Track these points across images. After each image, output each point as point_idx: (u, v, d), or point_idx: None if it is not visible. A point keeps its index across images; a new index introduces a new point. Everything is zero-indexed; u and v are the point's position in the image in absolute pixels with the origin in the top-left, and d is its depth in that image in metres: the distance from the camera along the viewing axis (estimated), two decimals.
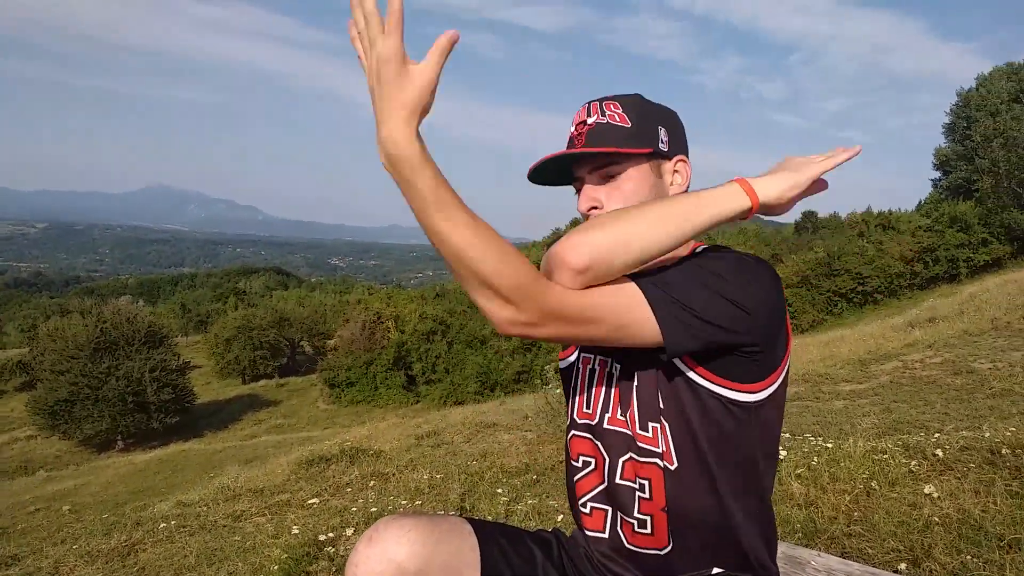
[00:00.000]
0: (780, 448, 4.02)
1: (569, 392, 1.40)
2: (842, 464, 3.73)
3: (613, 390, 1.28)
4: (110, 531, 5.19)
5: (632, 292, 1.08)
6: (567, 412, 1.40)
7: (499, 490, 4.22)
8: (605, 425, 1.28)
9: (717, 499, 1.21)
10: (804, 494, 3.49)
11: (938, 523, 3.02)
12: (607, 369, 1.31)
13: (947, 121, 49.53)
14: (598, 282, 1.07)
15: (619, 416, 1.26)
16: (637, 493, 1.24)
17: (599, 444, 1.29)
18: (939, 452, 3.83)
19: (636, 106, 1.23)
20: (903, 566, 2.69)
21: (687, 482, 1.20)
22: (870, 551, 2.89)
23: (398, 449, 7.04)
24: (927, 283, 41.51)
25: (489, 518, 3.50)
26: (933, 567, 2.66)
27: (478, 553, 1.23)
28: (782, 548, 1.86)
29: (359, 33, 0.98)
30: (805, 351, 13.68)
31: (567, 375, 1.41)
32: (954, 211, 42.27)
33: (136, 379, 35.61)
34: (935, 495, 3.28)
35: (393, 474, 5.33)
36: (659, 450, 1.21)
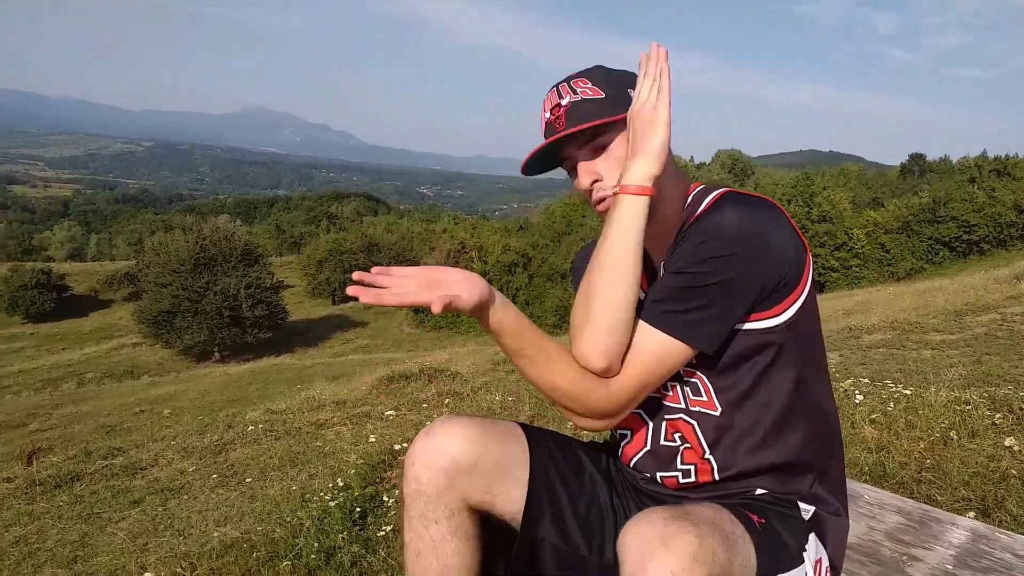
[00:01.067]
0: (856, 392, 3.95)
1: None
2: (920, 412, 3.64)
3: None
4: (204, 431, 5.57)
5: (654, 340, 1.18)
6: None
7: None
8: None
9: (766, 426, 1.24)
10: (877, 439, 3.44)
11: (1016, 476, 2.94)
12: None
13: None
14: (622, 356, 1.19)
15: None
16: (680, 447, 1.29)
17: (641, 412, 1.34)
18: None
19: (603, 76, 1.27)
20: (971, 514, 2.64)
21: (733, 422, 1.25)
22: (939, 498, 2.85)
23: (474, 372, 7.22)
24: None
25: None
26: (1003, 517, 2.60)
27: (528, 453, 1.30)
28: None
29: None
30: (898, 299, 13.16)
31: None
32: None
33: (232, 295, 37.29)
34: (1016, 448, 3.17)
35: (468, 394, 5.49)
36: (696, 402, 1.27)
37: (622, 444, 1.39)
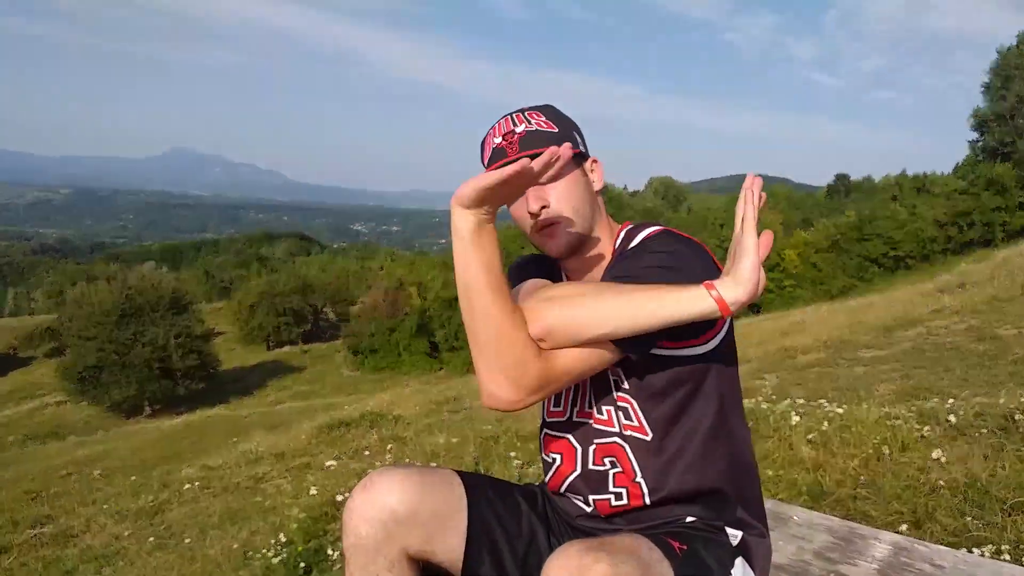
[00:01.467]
0: (792, 413, 4.05)
1: None
2: (853, 429, 3.75)
3: (579, 385, 1.36)
4: (138, 492, 5.37)
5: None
6: (540, 413, 1.48)
7: (512, 453, 4.31)
8: (575, 419, 1.38)
9: (693, 452, 1.30)
10: (813, 458, 3.53)
11: (944, 487, 3.04)
12: None
13: (986, 80, 47.78)
14: (556, 348, 1.17)
15: (586, 408, 1.36)
16: (610, 471, 1.33)
17: (571, 437, 1.38)
18: (952, 418, 3.83)
19: (554, 113, 1.35)
20: (904, 527, 2.73)
21: (663, 447, 1.29)
22: (873, 513, 2.93)
23: (417, 414, 7.16)
24: (961, 248, 40.82)
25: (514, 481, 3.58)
26: (934, 528, 2.69)
27: (465, 500, 1.32)
28: (768, 504, 1.91)
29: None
30: (832, 317, 13.62)
31: None
32: (991, 173, 41.22)
33: (161, 345, 36.26)
34: (943, 460, 3.29)
35: (411, 438, 5.45)
36: (628, 427, 1.31)
37: (553, 468, 1.41)
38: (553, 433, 1.42)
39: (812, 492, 3.22)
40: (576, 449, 1.37)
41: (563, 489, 1.40)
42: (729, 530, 1.32)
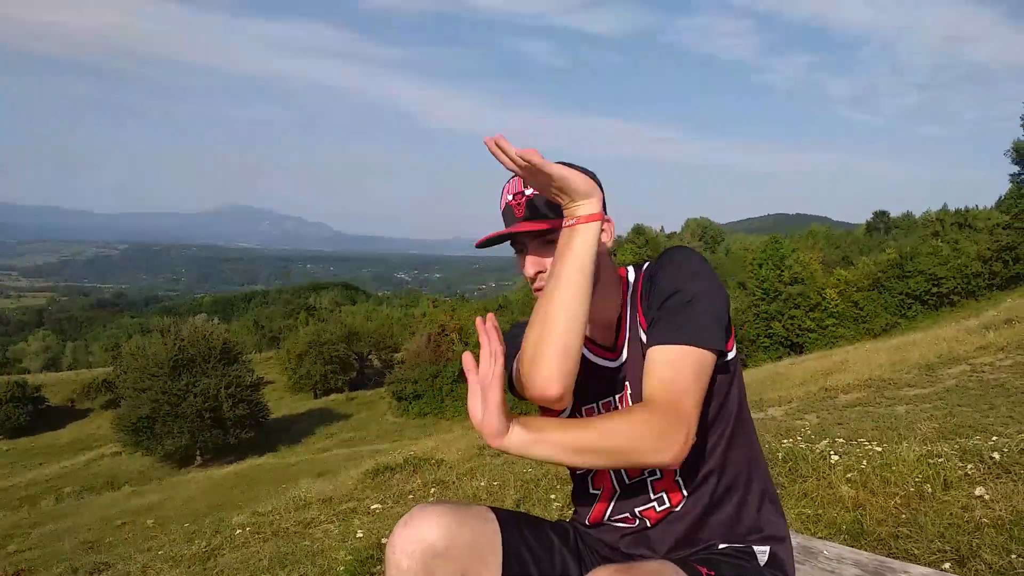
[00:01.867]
0: (832, 452, 4.04)
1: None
2: (894, 468, 3.72)
3: (618, 397, 1.47)
4: (191, 538, 5.52)
5: (683, 355, 1.27)
6: None
7: (552, 496, 4.36)
8: None
9: (722, 446, 1.41)
10: (853, 497, 3.52)
11: (989, 524, 3.02)
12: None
13: None
14: (573, 384, 1.27)
15: None
16: (648, 479, 1.44)
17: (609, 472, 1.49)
18: (996, 455, 3.79)
19: None
20: (947, 565, 2.71)
21: (702, 445, 1.40)
22: (916, 551, 2.92)
23: (460, 459, 7.23)
24: (1007, 283, 39.73)
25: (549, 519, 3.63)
26: (979, 567, 2.67)
27: (500, 537, 1.41)
28: (796, 539, 1.96)
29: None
30: (874, 356, 13.38)
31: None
32: None
33: (213, 395, 36.82)
34: (987, 497, 3.27)
35: (453, 482, 5.52)
36: None
37: (594, 501, 1.51)
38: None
39: (852, 531, 3.21)
40: (611, 474, 1.47)
41: (607, 516, 1.49)
42: (756, 548, 1.42)
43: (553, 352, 1.24)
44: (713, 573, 1.29)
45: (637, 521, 1.46)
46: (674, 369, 1.27)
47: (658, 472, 1.42)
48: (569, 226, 1.28)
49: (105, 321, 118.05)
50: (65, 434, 46.96)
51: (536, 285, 1.40)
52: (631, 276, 1.48)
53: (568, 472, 1.61)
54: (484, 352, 1.22)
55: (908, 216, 70.35)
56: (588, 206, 1.28)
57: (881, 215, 72.93)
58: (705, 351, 1.28)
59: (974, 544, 2.84)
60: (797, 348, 40.39)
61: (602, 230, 1.40)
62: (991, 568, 2.66)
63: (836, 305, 42.62)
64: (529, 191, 1.38)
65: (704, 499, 1.42)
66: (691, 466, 1.40)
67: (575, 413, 1.50)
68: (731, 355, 1.39)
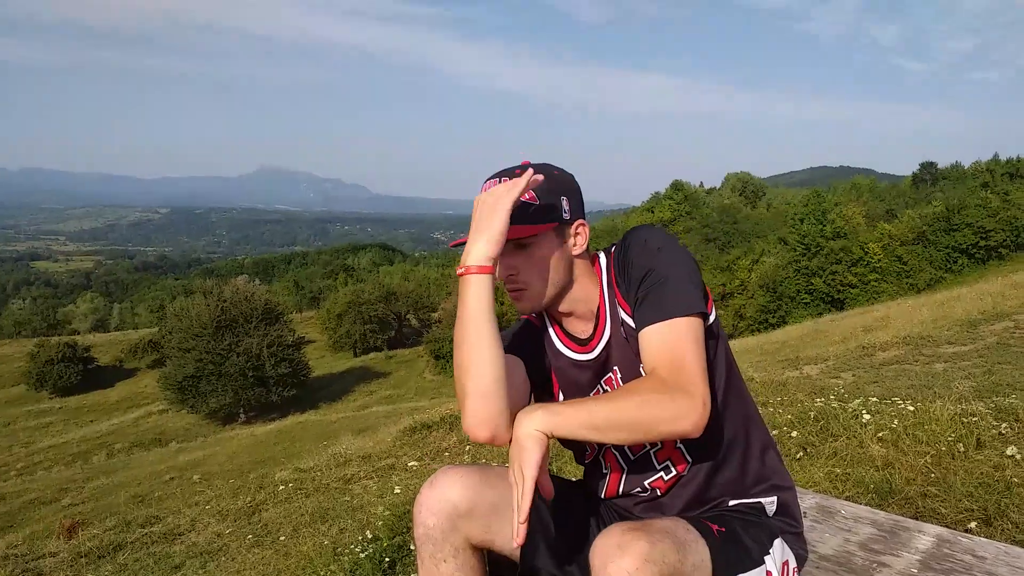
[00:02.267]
0: (864, 411, 4.04)
1: None
2: (927, 427, 3.71)
3: (604, 381, 1.51)
4: (236, 494, 5.73)
5: (676, 327, 1.31)
6: None
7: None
8: None
9: (717, 410, 1.43)
10: (883, 456, 3.52)
11: (1018, 484, 3.01)
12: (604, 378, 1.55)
13: None
14: (507, 421, 1.31)
15: None
16: (650, 451, 1.48)
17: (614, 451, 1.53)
18: None
19: (542, 182, 1.39)
20: (973, 524, 2.73)
21: None
22: (943, 511, 2.93)
23: None
24: None
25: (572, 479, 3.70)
26: (1005, 526, 2.67)
27: None
28: (815, 499, 2.00)
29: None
30: (916, 312, 13.17)
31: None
32: None
33: (255, 355, 37.61)
34: (1018, 456, 3.25)
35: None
36: None
37: (606, 479, 1.56)
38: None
39: (880, 490, 3.22)
40: (615, 452, 1.52)
41: (620, 491, 1.54)
42: (765, 500, 1.48)
43: (472, 400, 1.30)
44: (724, 529, 1.34)
45: (648, 492, 1.51)
46: (670, 341, 1.30)
47: (659, 442, 1.46)
48: (460, 275, 1.33)
49: (149, 283, 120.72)
50: (114, 393, 48.42)
51: (508, 287, 1.45)
52: (603, 262, 1.50)
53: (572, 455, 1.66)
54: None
55: (957, 167, 68.33)
56: (478, 253, 1.32)
57: (928, 166, 70.85)
58: (692, 318, 1.31)
59: (1002, 504, 2.84)
60: (838, 304, 39.79)
61: (575, 234, 1.44)
62: (1018, 527, 2.66)
63: (879, 260, 41.78)
64: None
65: (708, 461, 1.46)
66: (693, 441, 1.44)
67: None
68: (711, 318, 1.41)
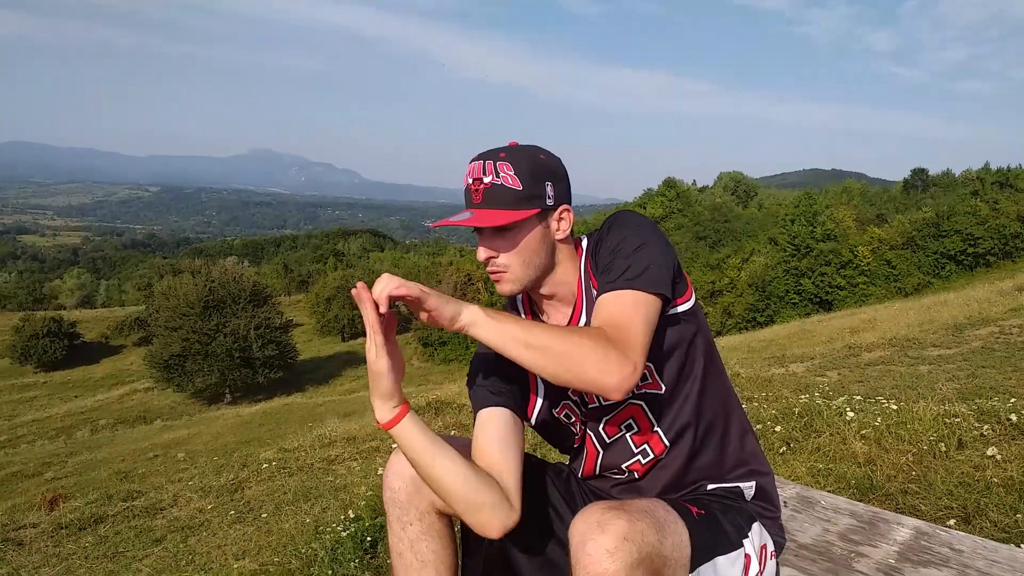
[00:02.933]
0: (848, 409, 4.06)
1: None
2: (909, 426, 3.74)
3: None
4: (220, 471, 5.73)
5: (626, 299, 1.31)
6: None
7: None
8: (589, 407, 1.52)
9: (696, 393, 1.46)
10: (865, 453, 3.56)
11: (999, 484, 3.04)
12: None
13: None
14: (516, 494, 1.35)
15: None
16: (625, 435, 1.49)
17: (586, 427, 1.54)
18: (1014, 417, 3.79)
19: (526, 166, 1.38)
20: (952, 522, 2.76)
21: (674, 394, 1.46)
22: (923, 507, 2.96)
23: None
24: None
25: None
26: (984, 524, 2.70)
27: None
28: (796, 489, 2.01)
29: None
30: (903, 315, 13.26)
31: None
32: None
33: (242, 336, 37.52)
34: (998, 457, 3.28)
35: (472, 425, 5.62)
36: (644, 386, 1.45)
37: (583, 456, 1.57)
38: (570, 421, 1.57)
39: (861, 486, 3.25)
40: (589, 433, 1.52)
41: (597, 471, 1.55)
42: (743, 485, 1.50)
43: (466, 508, 1.31)
44: (703, 512, 1.36)
45: (626, 474, 1.52)
46: (619, 308, 1.30)
47: (634, 425, 1.47)
48: (385, 427, 1.33)
49: (137, 261, 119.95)
50: (99, 369, 48.20)
51: (488, 269, 1.45)
52: (584, 245, 1.51)
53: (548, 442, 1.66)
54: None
55: (947, 174, 68.70)
56: (380, 413, 1.32)
57: (919, 172, 71.22)
58: (648, 294, 1.30)
59: (982, 503, 2.87)
60: (826, 305, 40.02)
61: (559, 219, 1.44)
62: (996, 526, 2.68)
63: (868, 263, 42.03)
64: (488, 179, 1.38)
65: (686, 446, 1.48)
66: (668, 417, 1.46)
67: (548, 387, 1.53)
68: (687, 305, 1.43)
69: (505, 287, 1.44)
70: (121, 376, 44.98)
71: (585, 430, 1.53)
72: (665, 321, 1.40)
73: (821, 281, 42.07)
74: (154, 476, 8.13)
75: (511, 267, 1.41)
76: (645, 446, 1.48)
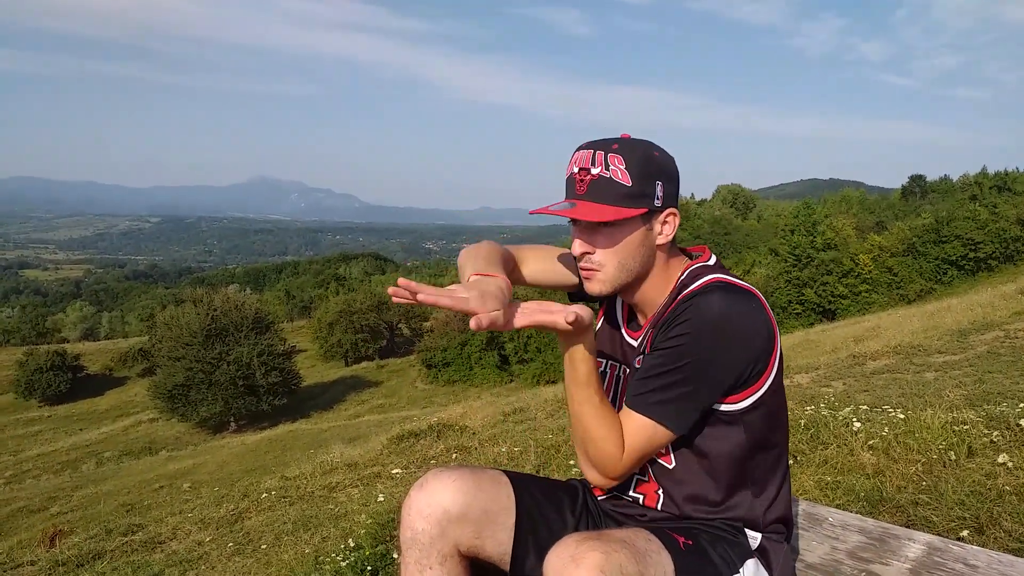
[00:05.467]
0: (855, 419, 3.99)
1: None
2: (917, 435, 3.68)
3: (620, 390, 1.49)
4: (220, 502, 5.66)
5: (637, 422, 1.32)
6: None
7: (571, 462, 4.39)
8: None
9: (713, 486, 1.39)
10: (874, 464, 3.49)
11: (1011, 492, 2.97)
12: (616, 372, 1.52)
13: None
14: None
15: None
16: (636, 477, 1.44)
17: None
18: (1023, 422, 3.73)
19: (639, 162, 1.31)
20: (965, 533, 2.69)
21: (684, 478, 1.39)
22: (935, 519, 2.89)
23: (484, 425, 7.30)
24: None
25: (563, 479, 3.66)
26: (998, 534, 2.64)
27: (514, 500, 1.42)
28: (802, 505, 1.95)
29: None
30: (907, 322, 13.19)
31: None
32: None
33: (245, 363, 37.42)
34: (1009, 464, 3.22)
35: (475, 447, 5.58)
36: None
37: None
38: None
39: (871, 498, 3.18)
40: None
41: (606, 492, 1.50)
42: (749, 532, 1.40)
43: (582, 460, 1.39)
44: (691, 543, 1.28)
45: (631, 500, 1.48)
46: (628, 429, 1.33)
47: (645, 476, 1.44)
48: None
49: (140, 292, 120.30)
50: (104, 401, 48.13)
51: (582, 265, 1.39)
52: (683, 276, 1.42)
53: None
54: (444, 303, 1.20)
55: (945, 180, 68.87)
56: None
57: (917, 179, 71.40)
58: (653, 423, 1.30)
59: (994, 512, 2.80)
60: (829, 315, 39.90)
61: (663, 223, 1.37)
62: (1010, 535, 2.62)
63: (870, 271, 41.98)
64: (596, 170, 1.31)
65: (702, 509, 1.42)
66: (674, 498, 1.42)
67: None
68: (739, 405, 1.34)
69: (595, 286, 1.39)
70: (126, 408, 44.90)
71: None
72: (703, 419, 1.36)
73: (823, 291, 41.98)
74: (158, 508, 8.06)
75: (606, 267, 1.36)
76: (642, 497, 1.45)
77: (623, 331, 1.52)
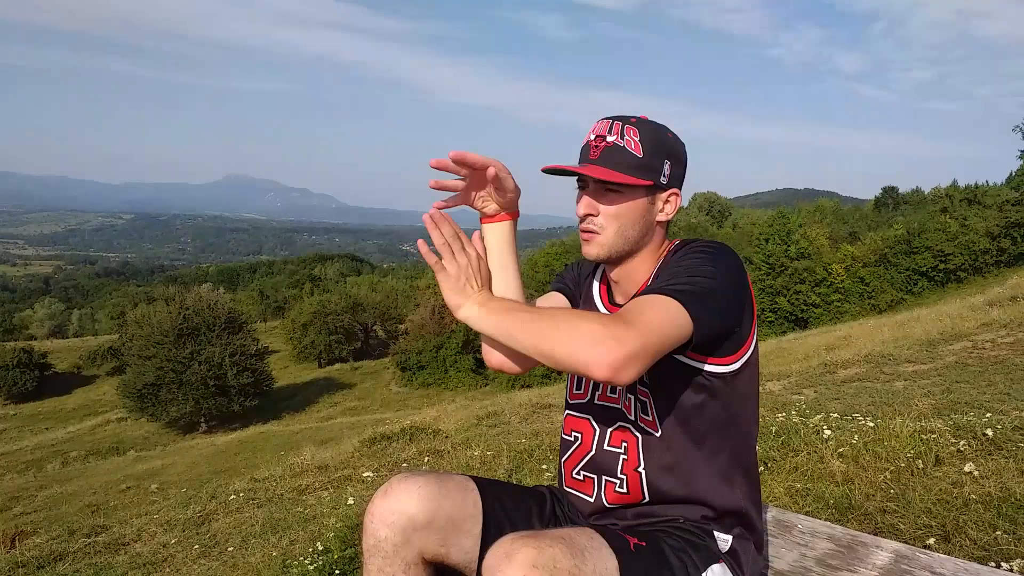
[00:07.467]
0: (825, 427, 4.03)
1: (566, 375, 1.56)
2: (886, 443, 3.72)
3: None
4: (188, 503, 5.57)
5: (666, 304, 1.21)
6: (564, 395, 1.58)
7: (544, 466, 4.38)
8: (596, 401, 1.47)
9: (695, 459, 1.38)
10: (843, 472, 3.51)
11: (976, 501, 3.01)
12: None
13: None
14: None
15: (609, 392, 1.45)
16: (620, 456, 1.42)
17: (590, 418, 1.48)
18: (989, 432, 3.77)
19: (652, 138, 1.37)
20: (932, 540, 2.71)
21: (669, 446, 1.37)
22: (902, 526, 2.91)
23: (457, 428, 7.27)
24: (1015, 260, 39.68)
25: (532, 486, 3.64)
26: (963, 542, 2.67)
27: (481, 507, 1.40)
28: (772, 512, 1.95)
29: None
30: (877, 332, 13.33)
31: None
32: None
33: (217, 364, 36.99)
34: (976, 473, 3.26)
35: (447, 451, 5.55)
36: (643, 419, 1.39)
37: (572, 447, 1.51)
38: (575, 414, 1.52)
39: (840, 506, 3.21)
40: (595, 430, 1.46)
41: (577, 470, 1.48)
42: (719, 535, 1.38)
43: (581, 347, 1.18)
44: (644, 544, 1.26)
45: (592, 497, 1.46)
46: (642, 303, 1.23)
47: (628, 453, 1.41)
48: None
49: (111, 289, 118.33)
50: (71, 400, 47.34)
51: (583, 226, 1.42)
52: (664, 255, 1.46)
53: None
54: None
55: (917, 192, 69.86)
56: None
57: (890, 191, 72.41)
58: (678, 303, 1.20)
59: (961, 520, 2.83)
60: (802, 323, 40.36)
61: (665, 201, 1.42)
62: (976, 543, 2.65)
63: (842, 280, 42.55)
64: (611, 138, 1.36)
65: (664, 508, 1.41)
66: (658, 471, 1.39)
67: None
68: (727, 368, 1.36)
69: (592, 249, 1.41)
70: (94, 407, 44.18)
71: (590, 417, 1.49)
72: (687, 368, 1.35)
73: (796, 299, 42.47)
74: (124, 509, 7.92)
75: (606, 230, 1.39)
76: (625, 478, 1.42)
77: (604, 310, 1.52)
